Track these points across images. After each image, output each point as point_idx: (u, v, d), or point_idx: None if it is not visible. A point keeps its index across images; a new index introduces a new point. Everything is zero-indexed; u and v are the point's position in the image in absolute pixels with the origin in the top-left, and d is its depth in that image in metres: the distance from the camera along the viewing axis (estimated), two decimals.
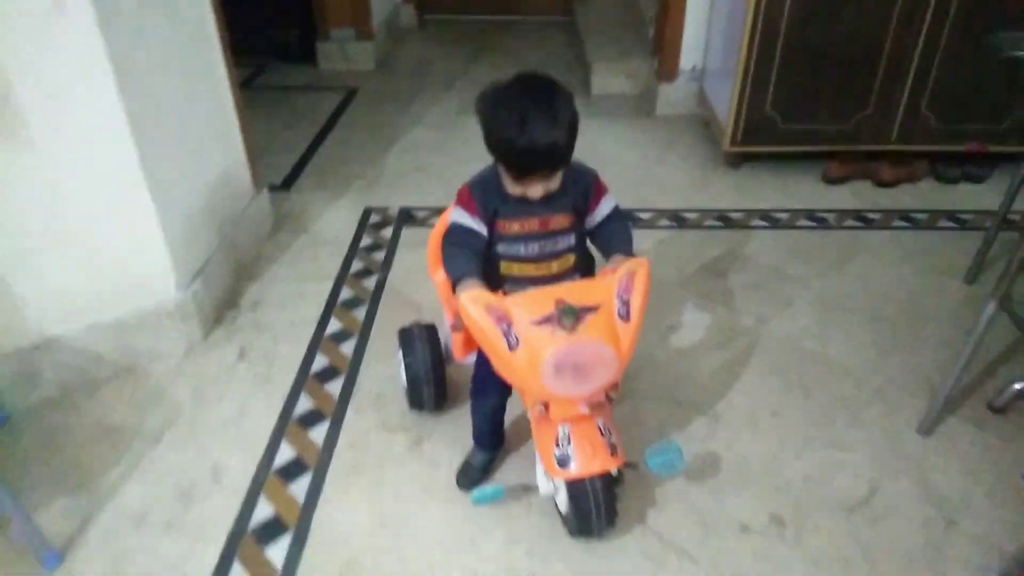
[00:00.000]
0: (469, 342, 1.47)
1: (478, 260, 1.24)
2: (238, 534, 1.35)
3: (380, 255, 2.19)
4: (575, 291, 1.18)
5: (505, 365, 1.18)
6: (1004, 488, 1.43)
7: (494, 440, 1.47)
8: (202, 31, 1.88)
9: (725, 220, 2.35)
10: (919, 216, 2.37)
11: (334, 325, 1.89)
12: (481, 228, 1.24)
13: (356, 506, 1.40)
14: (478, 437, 1.46)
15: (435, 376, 1.53)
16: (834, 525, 1.36)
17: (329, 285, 2.04)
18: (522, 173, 1.16)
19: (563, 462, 1.22)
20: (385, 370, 1.72)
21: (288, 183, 2.60)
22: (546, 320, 1.14)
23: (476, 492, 1.33)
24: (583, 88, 3.35)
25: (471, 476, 1.44)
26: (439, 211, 2.35)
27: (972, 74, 2.35)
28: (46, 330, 1.61)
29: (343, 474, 1.47)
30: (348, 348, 1.81)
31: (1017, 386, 1.58)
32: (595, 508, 1.24)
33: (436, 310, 1.88)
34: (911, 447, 1.52)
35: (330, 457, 1.51)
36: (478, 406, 1.43)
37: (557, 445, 1.23)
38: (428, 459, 1.50)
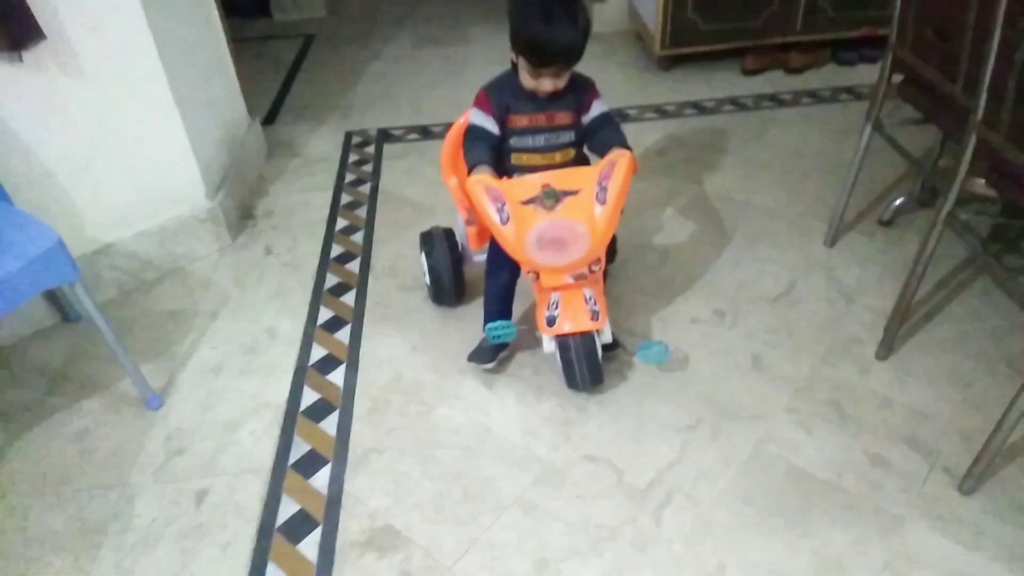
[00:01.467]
0: (482, 234, 1.70)
1: (492, 152, 1.45)
2: (302, 369, 1.69)
3: (368, 167, 2.50)
4: (561, 177, 1.39)
5: (501, 237, 1.38)
6: (889, 274, 1.85)
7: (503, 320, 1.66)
8: None
9: (661, 112, 2.72)
10: (823, 93, 2.78)
11: (341, 222, 2.21)
12: (494, 127, 1.46)
13: (392, 340, 1.75)
14: (488, 318, 1.62)
15: (454, 271, 1.74)
16: (762, 311, 1.77)
17: (329, 194, 2.36)
18: (541, 64, 1.36)
19: (550, 321, 1.45)
20: (393, 250, 2.06)
21: (270, 119, 2.87)
22: (531, 200, 1.36)
23: (490, 329, 1.56)
24: None
25: (483, 357, 1.62)
26: (413, 128, 2.71)
27: None
28: (102, 238, 1.89)
29: (376, 321, 1.82)
30: (357, 238, 2.14)
31: (897, 201, 2.01)
32: (577, 363, 1.46)
33: (427, 205, 2.24)
34: (819, 254, 1.94)
35: (363, 312, 1.85)
36: (491, 282, 1.61)
37: (548, 308, 1.46)
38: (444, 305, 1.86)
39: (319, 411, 1.58)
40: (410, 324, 1.80)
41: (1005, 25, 1.16)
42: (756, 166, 2.34)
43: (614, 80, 2.98)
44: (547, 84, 1.40)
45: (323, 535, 1.33)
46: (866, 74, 2.90)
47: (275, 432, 1.54)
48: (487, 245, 1.66)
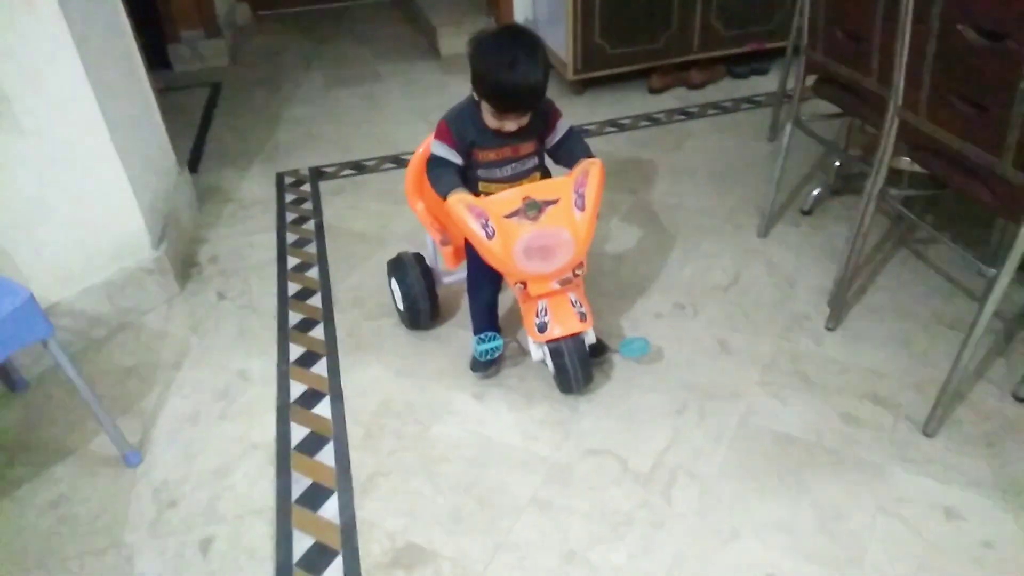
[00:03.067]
0: (458, 253, 1.73)
1: (460, 178, 1.47)
2: (284, 407, 1.67)
3: (307, 205, 2.49)
4: (539, 189, 1.44)
5: (487, 252, 1.42)
6: (819, 256, 2.03)
7: (492, 331, 1.65)
8: (120, 28, 2.09)
9: (583, 132, 2.87)
10: (725, 104, 3.02)
11: (292, 260, 2.19)
12: (457, 158, 1.47)
13: (372, 368, 1.76)
14: (478, 330, 1.66)
15: (429, 295, 1.75)
16: (718, 300, 1.90)
17: (273, 234, 2.33)
18: (506, 109, 1.38)
19: (541, 328, 1.50)
20: (354, 282, 2.06)
21: (193, 167, 2.81)
22: (515, 213, 1.41)
23: (478, 345, 1.60)
24: (432, 52, 3.75)
25: (479, 368, 1.67)
26: (346, 164, 2.72)
27: None
28: (47, 298, 1.80)
29: (351, 351, 1.81)
30: (313, 273, 2.13)
31: (814, 192, 2.21)
32: (571, 365, 1.52)
33: (377, 236, 2.26)
34: (756, 246, 2.10)
35: (335, 344, 1.84)
36: (475, 299, 1.65)
37: (537, 315, 1.51)
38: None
39: (312, 444, 1.57)
40: (387, 350, 1.81)
41: (914, 22, 1.34)
42: (681, 173, 2.51)
43: None
44: (511, 125, 1.43)
45: (345, 562, 1.32)
46: (758, 85, 3.17)
47: (270, 471, 1.51)
48: (461, 264, 1.70)
